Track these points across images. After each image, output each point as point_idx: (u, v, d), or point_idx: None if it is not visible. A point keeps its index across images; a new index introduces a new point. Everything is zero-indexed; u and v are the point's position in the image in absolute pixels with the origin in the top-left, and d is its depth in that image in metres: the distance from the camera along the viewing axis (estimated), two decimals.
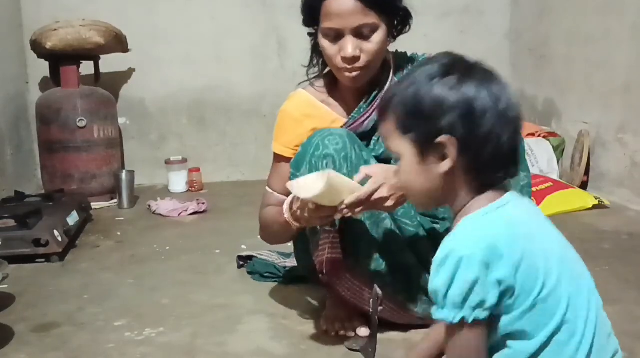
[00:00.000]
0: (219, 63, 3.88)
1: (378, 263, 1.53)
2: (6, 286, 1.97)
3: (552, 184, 2.99)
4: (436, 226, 1.61)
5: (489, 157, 0.98)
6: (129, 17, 3.67)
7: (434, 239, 1.61)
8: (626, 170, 2.96)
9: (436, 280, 0.94)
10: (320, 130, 1.56)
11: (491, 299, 0.92)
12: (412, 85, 1.00)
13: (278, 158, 1.69)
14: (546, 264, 0.95)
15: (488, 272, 0.91)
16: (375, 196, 1.36)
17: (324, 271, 1.51)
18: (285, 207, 1.48)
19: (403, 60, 1.69)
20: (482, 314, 0.93)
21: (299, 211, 1.39)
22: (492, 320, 0.95)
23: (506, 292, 0.93)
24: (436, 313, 0.96)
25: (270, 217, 1.61)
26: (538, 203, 2.77)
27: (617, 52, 2.98)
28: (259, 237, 1.76)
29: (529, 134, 3.39)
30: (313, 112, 1.66)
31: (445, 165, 0.98)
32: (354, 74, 1.56)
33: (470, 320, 0.92)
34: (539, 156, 3.31)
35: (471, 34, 4.02)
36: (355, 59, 1.52)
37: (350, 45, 1.51)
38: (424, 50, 1.74)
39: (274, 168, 1.70)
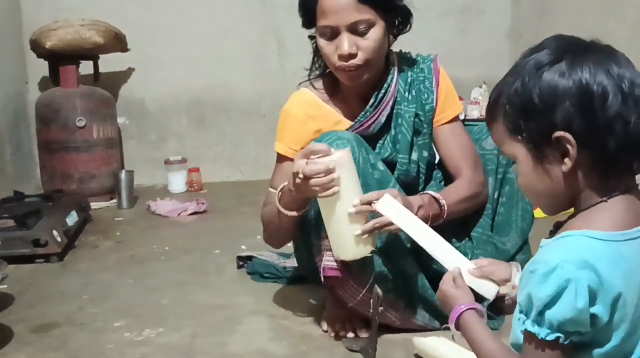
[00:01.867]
0: (219, 63, 3.88)
1: (380, 270, 1.51)
2: (5, 286, 1.97)
3: None
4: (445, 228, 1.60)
5: (616, 147, 0.85)
6: (128, 17, 3.66)
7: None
8: None
9: (537, 292, 0.84)
10: (327, 133, 1.55)
11: (587, 328, 0.84)
12: (518, 78, 0.90)
13: (281, 158, 1.68)
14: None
15: (593, 302, 0.83)
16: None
17: (324, 277, 1.50)
18: (277, 198, 1.49)
19: (407, 61, 1.68)
20: (577, 338, 0.85)
21: (293, 181, 1.38)
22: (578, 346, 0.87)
23: (599, 323, 0.85)
24: (526, 325, 0.87)
25: (269, 212, 1.59)
26: None
27: None
28: (259, 237, 1.76)
29: None
30: (317, 112, 1.65)
31: (567, 163, 0.87)
32: (350, 73, 1.55)
33: (566, 342, 0.85)
34: None
35: (471, 34, 4.02)
36: (352, 56, 1.52)
37: (345, 42, 1.50)
38: (424, 50, 1.74)
39: (277, 168, 1.69)
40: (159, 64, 3.81)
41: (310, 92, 1.68)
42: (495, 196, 1.64)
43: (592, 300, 0.83)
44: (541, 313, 0.84)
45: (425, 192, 1.54)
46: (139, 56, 3.66)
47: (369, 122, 1.63)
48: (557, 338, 0.84)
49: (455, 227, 1.61)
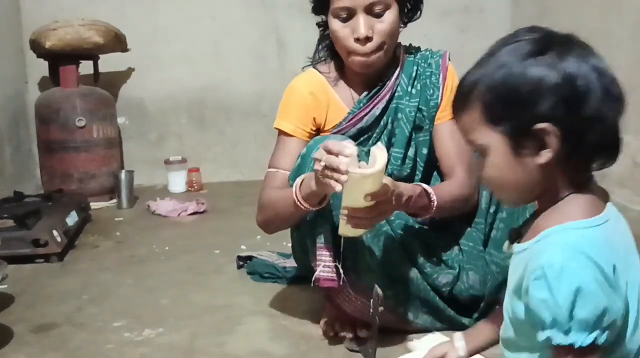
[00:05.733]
0: (219, 63, 3.88)
1: (378, 276, 1.50)
2: (5, 286, 1.97)
3: None
4: (435, 236, 1.60)
5: (594, 143, 0.87)
6: (128, 17, 3.66)
7: (433, 250, 1.60)
8: (627, 171, 2.95)
9: (556, 299, 0.82)
10: (319, 140, 1.51)
11: (619, 313, 0.84)
12: (501, 68, 0.88)
13: (284, 136, 1.62)
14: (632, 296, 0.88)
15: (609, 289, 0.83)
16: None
17: (318, 285, 1.48)
18: (296, 186, 1.41)
19: (415, 55, 1.66)
20: (612, 333, 0.83)
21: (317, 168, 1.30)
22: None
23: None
24: (558, 338, 0.83)
25: (272, 197, 1.53)
26: None
27: (618, 52, 2.97)
28: (259, 237, 1.76)
29: None
30: (321, 93, 1.63)
31: (545, 155, 0.87)
32: (366, 58, 1.52)
33: (601, 342, 0.82)
34: None
35: (472, 34, 4.02)
36: (369, 39, 1.50)
37: (362, 24, 1.48)
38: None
39: (279, 146, 1.62)
40: (159, 64, 3.81)
41: (317, 73, 1.65)
42: (492, 211, 1.58)
43: (604, 287, 0.82)
44: (571, 317, 0.82)
45: (418, 183, 1.50)
46: (139, 56, 3.66)
47: (363, 114, 1.61)
48: (595, 339, 0.82)
49: (445, 237, 1.60)
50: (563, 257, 0.83)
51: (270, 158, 1.64)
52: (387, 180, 1.32)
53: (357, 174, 1.23)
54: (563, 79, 0.85)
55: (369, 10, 1.49)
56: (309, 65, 1.68)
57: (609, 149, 0.90)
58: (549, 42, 0.88)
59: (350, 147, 1.25)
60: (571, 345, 0.83)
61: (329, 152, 1.26)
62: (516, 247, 0.95)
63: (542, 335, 0.86)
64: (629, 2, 2.90)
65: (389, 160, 1.55)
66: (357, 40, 1.50)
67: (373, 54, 1.52)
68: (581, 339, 0.82)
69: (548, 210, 0.92)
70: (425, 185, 1.49)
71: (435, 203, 1.47)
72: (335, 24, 1.53)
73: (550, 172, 0.89)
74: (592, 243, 0.85)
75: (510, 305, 0.95)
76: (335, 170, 1.23)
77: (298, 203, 1.40)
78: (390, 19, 1.51)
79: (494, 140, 0.90)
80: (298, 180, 1.42)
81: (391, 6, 1.51)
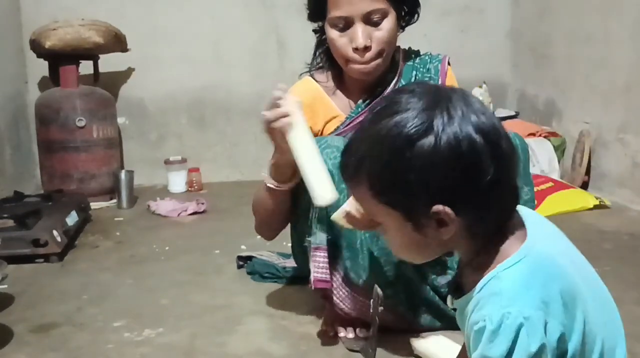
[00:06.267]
0: (219, 63, 3.87)
1: (378, 276, 1.50)
2: (5, 286, 1.97)
3: (553, 184, 2.99)
4: None
5: (494, 204, 0.85)
6: (128, 17, 3.66)
7: None
8: (627, 170, 2.95)
9: (490, 352, 0.81)
10: (317, 140, 1.50)
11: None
12: (385, 148, 0.83)
13: None
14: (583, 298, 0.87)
15: (548, 333, 0.81)
16: None
17: (314, 288, 1.49)
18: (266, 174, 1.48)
19: (414, 60, 1.65)
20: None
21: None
22: None
23: (563, 342, 0.84)
24: None
25: (259, 195, 1.57)
26: (539, 203, 2.76)
27: (618, 52, 2.98)
28: (259, 237, 1.75)
29: (529, 134, 3.39)
30: (317, 102, 1.62)
31: (446, 233, 0.85)
32: (365, 66, 1.52)
33: None
34: (539, 156, 3.30)
35: (472, 34, 4.02)
36: (367, 48, 1.49)
37: (361, 34, 1.47)
38: (423, 51, 1.73)
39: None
40: (158, 64, 3.81)
41: (312, 81, 1.65)
42: None
43: (546, 328, 0.81)
44: None
45: None
46: (139, 56, 3.65)
47: (360, 119, 1.61)
48: None
49: None
50: (501, 306, 0.81)
51: (268, 165, 1.63)
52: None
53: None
54: (452, 158, 0.81)
55: (366, 19, 1.48)
56: (307, 72, 1.67)
57: (509, 203, 0.88)
58: (431, 112, 0.83)
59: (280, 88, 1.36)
60: None
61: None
62: (456, 303, 0.94)
63: None
64: (629, 2, 2.90)
65: None
66: (356, 49, 1.50)
67: (372, 61, 1.52)
68: None
69: (472, 262, 0.90)
70: None
71: None
72: (332, 33, 1.52)
73: (456, 238, 0.87)
74: (531, 275, 0.83)
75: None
76: (274, 105, 1.33)
77: (270, 184, 1.46)
78: (388, 26, 1.50)
79: (387, 218, 0.87)
80: (267, 171, 1.48)
81: (388, 13, 1.50)
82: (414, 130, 0.82)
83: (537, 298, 0.81)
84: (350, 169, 0.89)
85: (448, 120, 0.82)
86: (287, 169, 1.44)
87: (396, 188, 0.84)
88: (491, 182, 0.82)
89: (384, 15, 1.49)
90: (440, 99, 0.85)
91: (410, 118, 0.83)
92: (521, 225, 0.89)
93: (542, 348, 0.80)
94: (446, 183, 0.82)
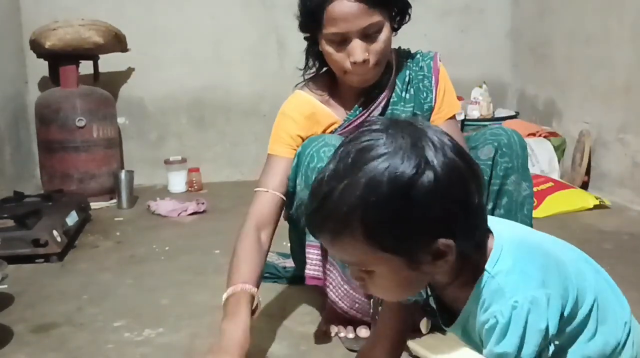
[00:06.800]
0: (219, 63, 3.88)
1: None
2: (5, 286, 1.97)
3: (553, 184, 2.99)
4: None
5: (476, 228, 0.88)
6: (128, 17, 3.66)
7: None
8: (627, 170, 2.95)
9: (503, 345, 0.86)
10: (314, 139, 1.52)
11: (554, 331, 0.88)
12: (385, 191, 0.82)
13: (274, 158, 1.63)
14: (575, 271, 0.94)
15: (550, 307, 0.86)
16: None
17: (306, 283, 1.49)
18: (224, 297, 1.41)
19: (406, 59, 1.66)
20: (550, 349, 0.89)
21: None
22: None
23: (562, 316, 0.89)
24: None
25: (235, 261, 1.52)
26: (539, 203, 2.77)
27: (618, 52, 2.98)
28: None
29: (529, 134, 3.39)
30: (314, 114, 1.63)
31: (444, 264, 0.87)
32: (364, 76, 1.53)
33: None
34: (539, 156, 3.30)
35: (472, 34, 4.02)
36: (365, 61, 1.50)
37: (359, 50, 1.48)
38: (423, 51, 1.73)
39: (268, 167, 1.62)
40: (158, 64, 3.81)
41: (306, 94, 1.65)
42: (489, 207, 1.57)
43: (549, 305, 0.86)
44: (519, 352, 0.85)
45: None
46: (139, 56, 3.66)
47: (358, 121, 1.61)
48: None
49: None
50: (507, 300, 0.86)
51: (260, 177, 1.62)
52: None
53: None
54: (448, 185, 0.83)
55: (362, 35, 1.48)
56: (301, 83, 1.67)
57: (486, 219, 0.91)
58: (414, 153, 0.83)
59: None
60: None
61: None
62: (453, 327, 0.99)
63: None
64: (629, 2, 2.90)
65: None
66: (354, 63, 1.50)
67: (369, 72, 1.53)
68: None
69: (455, 281, 0.93)
70: None
71: None
72: (329, 49, 1.52)
73: (446, 271, 0.91)
74: (519, 258, 0.88)
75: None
76: None
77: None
78: (384, 37, 1.50)
79: (383, 264, 0.87)
80: (227, 292, 1.40)
81: (384, 25, 1.50)
82: (412, 169, 0.82)
83: (535, 278, 0.86)
84: (337, 220, 0.84)
85: (435, 152, 0.83)
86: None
87: (398, 230, 0.83)
88: (477, 204, 0.86)
89: (380, 28, 1.49)
90: (417, 132, 0.85)
91: (403, 158, 0.82)
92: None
93: (547, 326, 0.85)
94: (446, 215, 0.84)
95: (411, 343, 1.47)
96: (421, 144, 0.84)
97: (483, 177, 0.90)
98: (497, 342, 0.86)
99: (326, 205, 0.85)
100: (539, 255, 0.90)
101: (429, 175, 0.82)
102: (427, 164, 0.82)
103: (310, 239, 1.46)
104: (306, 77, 1.67)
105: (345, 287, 1.52)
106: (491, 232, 0.93)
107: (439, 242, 0.84)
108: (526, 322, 0.85)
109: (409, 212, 0.82)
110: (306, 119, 1.62)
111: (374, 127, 0.87)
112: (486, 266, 0.89)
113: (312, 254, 1.47)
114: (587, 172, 3.21)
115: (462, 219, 0.85)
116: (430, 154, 0.83)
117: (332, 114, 1.64)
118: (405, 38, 1.65)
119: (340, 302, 1.54)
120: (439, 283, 0.95)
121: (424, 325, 1.01)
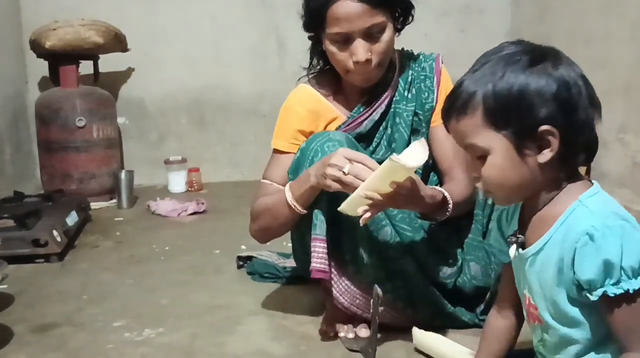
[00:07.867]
0: (219, 63, 3.88)
1: (378, 270, 1.51)
2: (5, 286, 1.97)
3: None
4: (436, 229, 1.60)
5: (584, 142, 0.98)
6: (128, 17, 3.66)
7: (434, 243, 1.60)
8: (627, 171, 2.95)
9: (608, 254, 0.91)
10: (318, 134, 1.54)
11: None
12: (501, 77, 0.97)
13: (279, 153, 1.65)
14: None
15: None
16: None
17: (313, 278, 1.49)
18: (287, 189, 1.48)
19: (409, 60, 1.67)
20: None
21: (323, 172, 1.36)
22: None
23: None
24: (612, 290, 0.92)
25: (266, 204, 1.56)
26: None
27: (618, 52, 2.98)
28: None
29: None
30: (317, 108, 1.64)
31: (546, 155, 0.97)
32: (367, 75, 1.55)
33: None
34: None
35: (471, 34, 4.02)
36: (368, 61, 1.51)
37: (362, 50, 1.49)
38: (424, 51, 1.73)
39: (274, 161, 1.66)
40: (158, 64, 3.81)
41: (310, 88, 1.67)
42: (489, 202, 1.59)
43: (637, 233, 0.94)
44: (621, 268, 0.91)
45: (439, 188, 1.50)
46: (138, 56, 3.66)
47: (361, 119, 1.62)
48: None
49: (445, 230, 1.61)
50: (599, 219, 0.93)
51: (265, 170, 1.67)
52: (415, 176, 1.36)
53: (399, 164, 1.25)
54: (560, 87, 0.96)
55: (366, 35, 1.49)
56: (305, 76, 1.68)
57: (592, 148, 1.01)
58: (542, 54, 0.99)
59: (370, 159, 1.34)
60: (626, 292, 0.92)
61: (351, 160, 1.33)
62: (531, 249, 1.03)
63: (596, 294, 0.94)
64: (629, 2, 2.90)
65: None
66: (357, 63, 1.51)
67: (372, 71, 1.54)
68: (633, 285, 0.92)
69: (550, 202, 1.02)
70: (445, 192, 1.49)
71: (450, 209, 1.48)
72: (332, 48, 1.53)
73: (548, 169, 0.99)
74: (610, 202, 0.98)
75: (551, 303, 1.02)
76: (356, 177, 1.31)
77: (292, 205, 1.47)
78: (386, 37, 1.52)
79: (496, 142, 0.98)
80: (287, 185, 1.48)
81: (387, 26, 1.51)
82: (525, 58, 0.97)
83: (621, 218, 0.95)
84: (463, 101, 0.99)
85: (555, 59, 0.98)
86: (312, 199, 1.47)
87: (511, 110, 0.96)
88: (585, 120, 0.97)
89: (383, 28, 1.50)
90: (545, 47, 1.02)
91: (521, 52, 0.98)
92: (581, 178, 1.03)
93: None
94: (553, 110, 0.95)
95: (416, 332, 1.47)
96: (548, 53, 1.00)
97: (600, 112, 1.00)
98: (598, 255, 0.92)
99: (456, 91, 1.02)
100: (627, 215, 0.97)
101: (546, 66, 0.97)
102: (548, 59, 0.98)
103: (316, 233, 1.46)
104: (310, 76, 1.68)
105: (347, 282, 1.52)
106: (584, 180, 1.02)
107: (545, 128, 0.95)
108: (622, 232, 0.91)
109: (522, 93, 0.95)
110: (310, 112, 1.63)
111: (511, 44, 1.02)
112: (580, 195, 0.98)
113: (318, 247, 1.47)
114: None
115: (566, 121, 0.95)
116: (551, 58, 0.98)
117: (334, 109, 1.66)
118: (406, 38, 1.66)
119: (341, 297, 1.54)
120: (534, 196, 1.03)
121: (513, 253, 1.09)
